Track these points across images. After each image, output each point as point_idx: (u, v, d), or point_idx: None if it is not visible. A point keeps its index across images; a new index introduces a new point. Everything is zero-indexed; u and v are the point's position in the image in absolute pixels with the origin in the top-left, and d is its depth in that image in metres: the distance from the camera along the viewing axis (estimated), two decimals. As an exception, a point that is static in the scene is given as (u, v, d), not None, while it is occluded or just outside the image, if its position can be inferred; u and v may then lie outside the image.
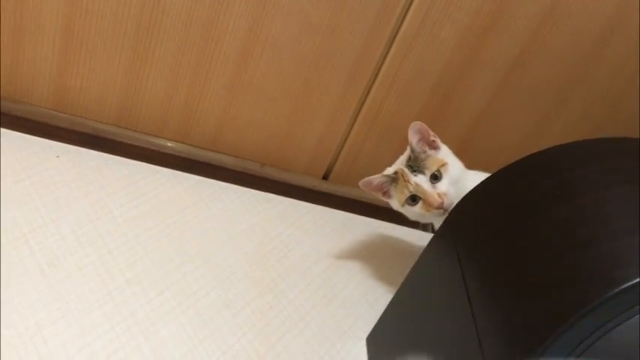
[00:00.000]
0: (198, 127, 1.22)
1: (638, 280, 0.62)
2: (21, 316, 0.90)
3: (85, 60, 1.11)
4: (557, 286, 0.68)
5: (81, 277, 0.98)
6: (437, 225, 1.06)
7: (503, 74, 1.20)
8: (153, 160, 1.23)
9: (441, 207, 0.98)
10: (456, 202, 0.99)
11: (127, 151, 1.21)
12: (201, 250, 1.11)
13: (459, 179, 1.01)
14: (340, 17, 1.09)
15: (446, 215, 1.00)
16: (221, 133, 1.23)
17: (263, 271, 1.13)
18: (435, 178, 1.00)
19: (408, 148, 1.03)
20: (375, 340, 1.06)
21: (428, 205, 0.99)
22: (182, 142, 1.24)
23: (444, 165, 1.00)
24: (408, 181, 1.00)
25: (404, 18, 1.10)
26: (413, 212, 1.03)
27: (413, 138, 1.01)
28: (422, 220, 1.05)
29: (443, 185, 0.99)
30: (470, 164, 1.07)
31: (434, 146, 1.03)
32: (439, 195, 0.98)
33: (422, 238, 1.28)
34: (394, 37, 1.12)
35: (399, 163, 1.04)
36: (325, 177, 1.34)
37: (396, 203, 1.05)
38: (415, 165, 1.01)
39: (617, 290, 0.63)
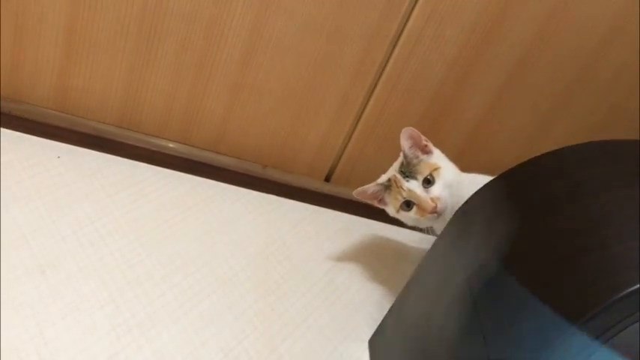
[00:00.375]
0: (200, 129, 1.21)
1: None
2: (22, 318, 0.90)
3: (87, 60, 1.10)
4: (561, 290, 0.67)
5: (82, 279, 0.98)
6: (437, 228, 1.06)
7: (506, 76, 1.19)
8: (154, 161, 1.22)
9: (434, 211, 0.98)
10: (450, 205, 0.99)
11: (129, 152, 1.20)
12: (202, 252, 1.10)
13: (452, 183, 1.01)
14: (344, 18, 1.08)
15: (442, 219, 1.00)
16: (223, 135, 1.23)
17: (265, 273, 1.12)
18: (428, 182, 1.00)
19: (401, 155, 1.03)
20: (378, 343, 1.06)
21: (422, 210, 1.00)
22: (184, 144, 1.23)
23: (436, 169, 1.00)
24: (401, 187, 1.01)
25: (408, 19, 1.09)
26: (408, 218, 1.03)
27: (405, 144, 1.02)
28: (419, 225, 1.05)
29: (436, 189, 0.99)
30: (473, 166, 1.06)
31: (426, 151, 1.03)
32: (432, 199, 0.98)
33: (425, 240, 1.27)
34: (398, 39, 1.12)
35: (393, 170, 1.05)
36: (327, 179, 1.34)
37: (391, 210, 1.06)
38: (407, 170, 1.01)
39: (621, 295, 0.62)
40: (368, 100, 1.20)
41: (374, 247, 1.29)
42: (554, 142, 1.27)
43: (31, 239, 1.00)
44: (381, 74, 1.16)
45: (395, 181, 1.02)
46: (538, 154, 0.82)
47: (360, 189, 1.05)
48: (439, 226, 1.04)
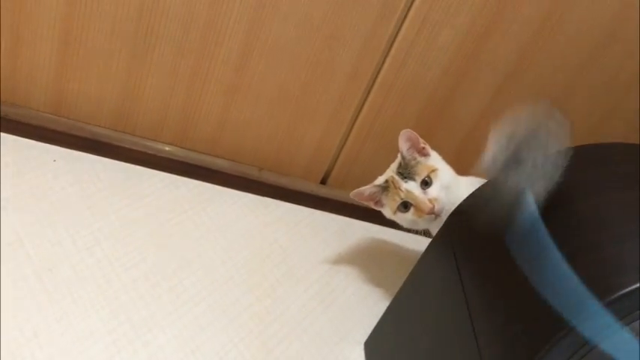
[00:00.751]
0: (196, 131, 1.22)
1: (637, 285, 0.62)
2: (18, 322, 0.90)
3: (83, 63, 1.10)
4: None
5: (77, 282, 0.98)
6: (433, 231, 1.06)
7: (501, 79, 1.20)
8: (150, 164, 1.22)
9: (432, 212, 0.99)
10: (447, 207, 1.00)
11: (125, 155, 1.21)
12: (198, 255, 1.11)
13: (450, 185, 1.02)
14: (339, 21, 1.08)
15: (438, 221, 1.01)
16: (219, 137, 1.23)
17: (260, 276, 1.12)
18: (426, 184, 1.01)
19: (399, 156, 1.04)
20: (373, 346, 1.06)
21: (419, 211, 1.00)
22: (180, 146, 1.24)
23: (434, 171, 1.01)
24: (399, 188, 1.01)
25: (402, 22, 1.10)
26: (405, 219, 1.04)
27: (403, 146, 1.02)
28: (415, 227, 1.05)
29: (433, 191, 1.00)
30: (468, 169, 1.07)
31: (424, 153, 1.04)
32: (430, 200, 0.99)
33: (420, 243, 1.27)
34: (393, 41, 1.12)
35: (390, 171, 1.05)
36: (323, 181, 1.34)
37: (388, 211, 1.06)
38: (406, 172, 1.01)
39: (616, 295, 0.63)
40: (363, 103, 1.21)
41: (370, 249, 1.29)
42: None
43: (27, 243, 1.00)
44: (376, 78, 1.17)
45: (393, 182, 1.03)
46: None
47: (356, 190, 1.05)
48: (435, 229, 1.04)
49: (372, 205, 1.08)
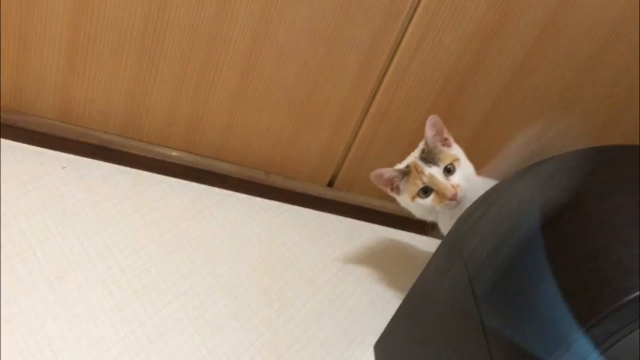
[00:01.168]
0: (203, 136, 1.22)
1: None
2: (30, 329, 0.91)
3: (90, 71, 1.11)
4: (566, 295, 0.68)
5: (89, 289, 0.99)
6: (441, 225, 1.06)
7: (507, 79, 1.20)
8: (158, 170, 1.23)
9: (454, 198, 0.99)
10: (467, 198, 1.00)
11: (133, 161, 1.21)
12: (207, 260, 1.11)
13: (470, 178, 1.02)
14: (344, 26, 1.09)
15: (448, 214, 1.01)
16: (226, 142, 1.24)
17: (270, 280, 1.13)
18: (449, 171, 1.01)
19: (421, 143, 1.04)
20: (383, 348, 1.06)
21: (441, 196, 0.99)
22: (187, 152, 1.24)
23: (457, 160, 1.01)
24: (422, 173, 1.01)
25: (408, 25, 1.10)
26: (423, 205, 1.03)
27: (429, 131, 1.02)
28: (429, 217, 1.05)
29: (456, 177, 1.00)
30: (475, 168, 1.07)
31: (447, 144, 1.04)
32: (453, 186, 0.99)
33: (428, 245, 1.28)
34: (398, 45, 1.12)
35: (412, 157, 1.05)
36: (330, 184, 1.34)
37: (405, 198, 1.05)
38: (430, 157, 1.01)
39: (626, 300, 0.63)
40: (369, 106, 1.21)
41: (378, 251, 1.29)
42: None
43: (38, 251, 1.01)
44: (382, 80, 1.17)
45: (415, 166, 1.03)
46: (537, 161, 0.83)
47: (377, 171, 1.04)
48: (445, 227, 1.05)
49: (388, 191, 1.06)
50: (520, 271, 0.75)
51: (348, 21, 1.08)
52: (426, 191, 1.01)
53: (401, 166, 1.05)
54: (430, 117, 1.01)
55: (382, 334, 1.07)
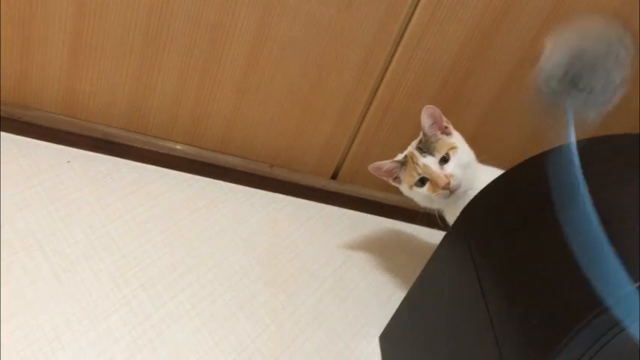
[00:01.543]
0: (207, 129, 1.22)
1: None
2: (39, 323, 0.91)
3: (94, 65, 1.11)
4: (573, 284, 0.68)
5: (96, 282, 0.99)
6: (447, 214, 1.06)
7: (510, 70, 1.20)
8: (162, 163, 1.23)
9: (447, 187, 1.00)
10: (462, 187, 1.00)
11: (137, 155, 1.21)
12: (213, 252, 1.12)
13: (468, 166, 1.02)
14: (347, 17, 1.09)
15: (452, 203, 1.01)
16: (230, 135, 1.24)
17: (275, 272, 1.13)
18: (445, 160, 1.01)
19: (421, 133, 1.04)
20: (389, 339, 1.07)
21: (434, 185, 1.00)
22: (191, 145, 1.24)
23: (453, 148, 1.02)
24: (417, 163, 1.02)
25: (411, 16, 1.10)
26: (421, 195, 1.04)
27: (426, 122, 1.03)
28: (430, 205, 1.06)
29: (450, 167, 1.01)
30: (479, 158, 1.07)
31: (446, 132, 1.04)
32: (446, 176, 0.99)
33: (433, 236, 1.28)
34: (402, 35, 1.12)
35: (410, 147, 1.06)
36: (334, 176, 1.35)
37: (405, 187, 1.06)
38: (425, 147, 1.02)
39: (633, 288, 0.63)
40: (372, 98, 1.21)
41: (382, 243, 1.30)
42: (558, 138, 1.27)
43: (45, 244, 1.01)
44: (385, 71, 1.17)
45: (411, 156, 1.04)
46: (542, 150, 0.83)
47: (375, 164, 1.06)
48: (450, 214, 1.05)
49: (389, 181, 1.08)
50: (527, 260, 0.75)
51: (351, 12, 1.08)
52: (422, 181, 1.02)
53: (400, 156, 1.07)
54: (426, 107, 1.02)
55: (387, 326, 1.08)
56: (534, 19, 1.12)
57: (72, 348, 0.90)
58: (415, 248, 1.30)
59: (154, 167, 1.22)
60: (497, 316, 0.76)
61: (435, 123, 1.03)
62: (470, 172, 1.02)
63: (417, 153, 1.03)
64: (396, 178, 1.07)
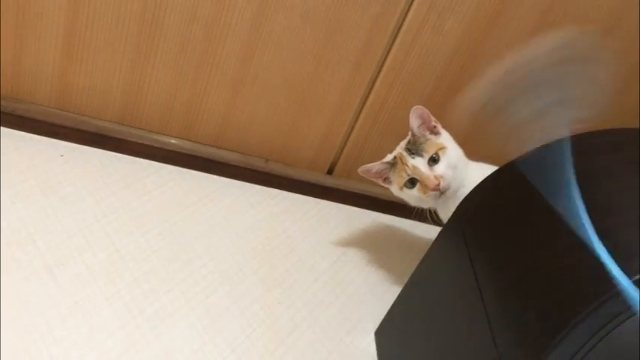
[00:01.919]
0: (202, 124, 1.22)
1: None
2: (31, 317, 0.90)
3: (88, 58, 1.10)
4: (569, 278, 0.68)
5: (89, 277, 0.98)
6: (440, 212, 1.06)
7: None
8: (157, 158, 1.22)
9: (437, 189, 0.99)
10: (453, 186, 1.00)
11: (131, 149, 1.21)
12: (207, 247, 1.11)
13: (458, 164, 1.02)
14: (343, 11, 1.08)
15: (444, 201, 1.01)
16: (225, 130, 1.23)
17: (270, 267, 1.13)
18: (434, 161, 1.01)
19: (409, 133, 1.04)
20: (384, 334, 1.07)
21: (424, 187, 1.00)
22: (186, 139, 1.24)
23: (442, 148, 1.01)
24: (406, 164, 1.01)
25: (408, 10, 1.09)
26: (411, 196, 1.04)
27: (414, 122, 1.03)
28: (421, 205, 1.06)
29: (440, 168, 1.01)
30: (475, 155, 1.07)
31: (435, 131, 1.04)
32: (436, 177, 0.99)
33: (429, 232, 1.28)
34: (398, 30, 1.12)
35: (399, 148, 1.05)
36: (330, 172, 1.34)
37: (395, 188, 1.06)
38: (414, 148, 1.02)
39: (631, 281, 0.63)
40: (369, 93, 1.21)
41: (378, 238, 1.29)
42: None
43: (38, 239, 1.00)
44: (382, 66, 1.17)
45: (400, 158, 1.03)
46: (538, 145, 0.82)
47: (364, 167, 1.05)
48: (443, 212, 1.05)
49: (380, 183, 1.08)
50: (523, 254, 0.75)
51: (348, 6, 1.07)
52: (412, 182, 1.02)
53: (389, 157, 1.06)
54: (414, 107, 1.02)
55: (383, 321, 1.07)
56: (532, 12, 1.12)
57: (65, 342, 0.89)
58: (411, 244, 1.29)
59: (148, 161, 1.21)
60: (493, 310, 0.75)
61: (424, 123, 1.03)
62: (460, 172, 1.02)
63: (405, 154, 1.03)
64: (386, 179, 1.07)
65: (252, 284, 1.08)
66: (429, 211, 1.08)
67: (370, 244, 1.26)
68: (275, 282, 1.11)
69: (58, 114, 1.16)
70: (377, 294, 1.16)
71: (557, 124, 0.80)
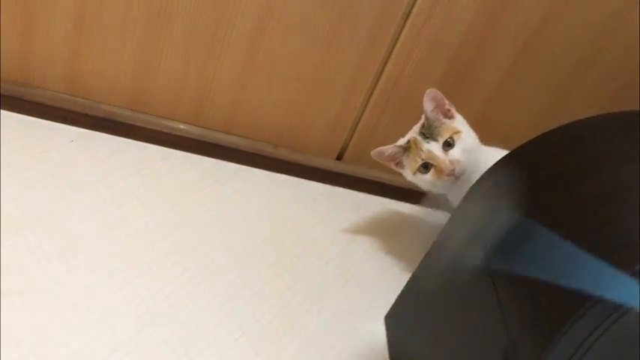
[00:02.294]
0: (211, 109, 1.21)
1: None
2: (43, 301, 0.91)
3: (97, 43, 1.10)
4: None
5: (100, 261, 0.99)
6: (451, 197, 1.06)
7: (522, 43, 1.17)
8: (166, 143, 1.22)
9: (452, 174, 0.99)
10: (467, 173, 0.99)
11: (140, 134, 1.21)
12: (216, 233, 1.11)
13: (472, 150, 1.01)
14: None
15: (457, 188, 1.00)
16: (234, 115, 1.23)
17: (279, 253, 1.13)
18: (448, 145, 1.00)
19: (422, 117, 1.03)
20: (394, 320, 1.06)
21: (439, 172, 1.00)
22: (195, 125, 1.23)
23: (457, 132, 1.00)
24: (420, 149, 1.01)
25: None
26: (425, 181, 1.03)
27: (428, 106, 1.02)
28: (434, 190, 1.05)
29: (455, 152, 1.00)
30: (487, 139, 1.06)
31: (449, 115, 1.03)
32: (451, 162, 0.98)
33: (438, 217, 1.27)
34: (410, 10, 1.10)
35: (412, 132, 1.04)
36: (339, 157, 1.34)
37: (408, 173, 1.05)
38: (428, 132, 1.01)
39: (638, 268, 0.62)
40: (379, 77, 1.20)
41: (388, 224, 1.29)
42: (567, 116, 1.25)
43: (49, 224, 1.01)
44: (393, 48, 1.15)
45: (414, 142, 1.02)
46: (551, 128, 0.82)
47: (377, 150, 1.04)
48: (454, 197, 1.04)
49: (392, 167, 1.07)
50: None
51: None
52: (426, 166, 1.01)
53: (402, 141, 1.05)
54: (428, 91, 1.00)
55: (393, 306, 1.07)
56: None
57: (77, 326, 0.90)
58: (420, 229, 1.29)
59: (157, 147, 1.21)
60: (504, 293, 0.75)
61: (438, 107, 1.02)
62: (474, 156, 1.01)
63: (420, 138, 1.01)
64: (399, 164, 1.06)
65: (262, 269, 1.08)
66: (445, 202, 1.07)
67: (380, 230, 1.26)
68: (284, 267, 1.11)
69: (67, 99, 1.16)
70: (387, 279, 1.16)
71: None
